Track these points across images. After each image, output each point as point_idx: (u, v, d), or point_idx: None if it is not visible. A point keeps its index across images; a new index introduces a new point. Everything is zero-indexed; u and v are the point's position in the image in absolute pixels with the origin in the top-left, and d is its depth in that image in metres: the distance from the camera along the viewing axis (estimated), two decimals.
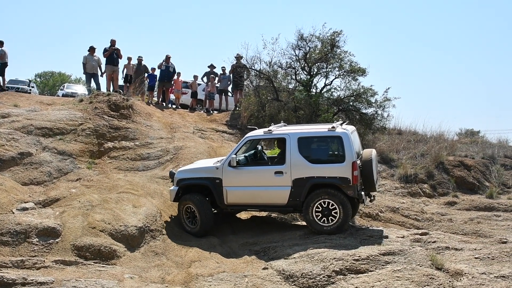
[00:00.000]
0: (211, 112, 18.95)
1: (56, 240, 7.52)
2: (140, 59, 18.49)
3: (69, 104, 14.20)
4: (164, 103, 18.73)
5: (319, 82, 17.46)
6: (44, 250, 7.34)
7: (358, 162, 8.51)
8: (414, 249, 7.27)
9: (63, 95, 23.64)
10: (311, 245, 7.85)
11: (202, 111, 19.12)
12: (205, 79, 19.80)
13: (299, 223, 10.25)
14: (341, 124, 9.00)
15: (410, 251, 7.19)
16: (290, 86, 17.80)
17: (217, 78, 19.55)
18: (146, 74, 18.65)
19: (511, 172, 15.23)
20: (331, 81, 17.16)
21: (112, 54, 16.93)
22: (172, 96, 20.04)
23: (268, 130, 9.16)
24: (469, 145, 17.83)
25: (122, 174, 11.17)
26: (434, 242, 7.80)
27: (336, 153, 8.57)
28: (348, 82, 17.04)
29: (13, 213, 8.35)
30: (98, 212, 8.38)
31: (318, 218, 8.46)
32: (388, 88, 16.78)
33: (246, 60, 17.93)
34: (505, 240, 8.00)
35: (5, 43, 16.89)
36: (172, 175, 9.80)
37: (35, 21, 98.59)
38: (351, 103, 16.97)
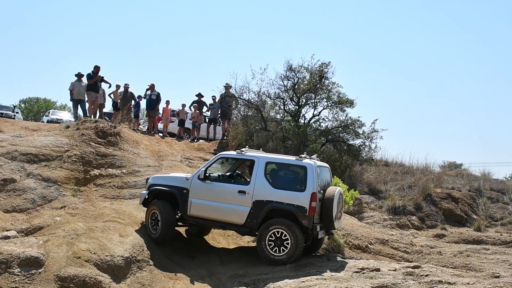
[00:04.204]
0: (196, 140, 18.90)
1: (39, 270, 7.21)
2: (126, 87, 18.50)
3: (55, 130, 13.97)
4: (149, 131, 18.67)
5: (307, 113, 17.62)
6: (26, 281, 7.02)
7: (319, 195, 8.70)
8: (407, 282, 7.15)
9: (48, 121, 23.34)
10: (302, 277, 7.69)
11: (189, 140, 19.05)
12: (192, 108, 19.84)
13: None
14: (310, 157, 9.20)
15: (403, 285, 7.07)
16: (278, 116, 17.88)
17: (205, 107, 19.63)
18: (133, 102, 18.61)
19: (498, 205, 15.31)
20: (319, 112, 17.35)
21: (96, 81, 16.76)
22: (160, 125, 19.98)
23: (241, 151, 9.48)
24: (455, 178, 17.95)
25: (108, 202, 10.92)
26: (427, 275, 7.68)
27: (298, 181, 8.77)
28: (336, 113, 17.24)
29: None
30: (83, 241, 8.11)
31: (270, 247, 8.60)
32: (376, 119, 16.92)
33: (235, 90, 18.01)
34: (497, 275, 7.92)
35: None
36: (147, 180, 10.16)
37: (20, 46, 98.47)
38: (338, 134, 17.08)
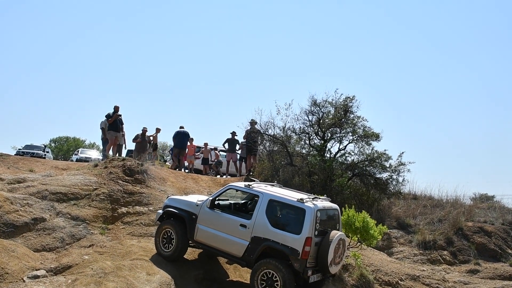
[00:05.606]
0: (220, 175, 19.19)
1: None
2: (144, 130, 18.90)
3: (84, 169, 14.25)
4: (177, 169, 19.02)
5: (333, 147, 17.49)
6: None
7: (316, 239, 8.70)
8: None
9: (77, 160, 23.89)
10: None
11: (213, 175, 19.34)
12: (226, 145, 20.06)
13: None
14: (314, 199, 9.13)
15: None
16: (304, 151, 17.82)
17: (237, 145, 19.89)
18: (148, 145, 19.29)
19: None
20: (345, 146, 17.23)
21: (116, 121, 17.32)
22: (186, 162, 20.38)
23: (248, 184, 9.65)
24: (487, 211, 17.44)
25: (135, 240, 10.98)
26: None
27: (296, 224, 8.75)
28: (361, 147, 17.10)
29: (24, 281, 8.17)
30: (111, 280, 8.15)
31: (262, 285, 8.68)
32: (402, 152, 16.69)
33: (260, 125, 18.11)
34: None
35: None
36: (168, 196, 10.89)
37: (51, 87, 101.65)
38: (365, 168, 16.91)
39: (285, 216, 9.08)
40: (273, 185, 10.15)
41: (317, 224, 8.70)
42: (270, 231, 8.81)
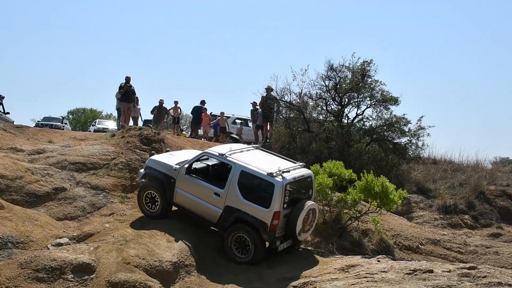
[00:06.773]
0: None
1: (91, 276, 7.36)
2: (161, 102, 19.36)
3: (102, 139, 14.29)
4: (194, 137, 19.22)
5: (351, 112, 17.31)
6: (79, 286, 7.18)
7: (286, 211, 9.01)
8: (463, 284, 6.86)
9: (95, 131, 24.05)
10: (352, 280, 7.52)
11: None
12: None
13: (337, 256, 9.88)
14: (284, 172, 9.07)
15: (459, 286, 6.78)
16: (321, 117, 17.63)
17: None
18: (166, 116, 19.99)
19: None
20: (363, 111, 17.00)
21: (128, 91, 17.22)
22: (200, 131, 20.52)
23: (222, 153, 9.61)
24: (510, 174, 17.19)
25: None
26: (485, 277, 7.32)
27: (265, 197, 8.92)
28: (380, 112, 16.85)
29: (48, 248, 8.29)
30: (132, 247, 8.23)
31: (235, 248, 9.13)
32: (422, 116, 16.44)
33: (276, 92, 17.88)
34: None
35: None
36: (151, 155, 11.12)
37: (68, 60, 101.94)
38: (383, 133, 16.69)
39: (255, 188, 9.22)
40: (252, 148, 10.33)
41: (286, 197, 8.87)
42: (242, 202, 9.05)
